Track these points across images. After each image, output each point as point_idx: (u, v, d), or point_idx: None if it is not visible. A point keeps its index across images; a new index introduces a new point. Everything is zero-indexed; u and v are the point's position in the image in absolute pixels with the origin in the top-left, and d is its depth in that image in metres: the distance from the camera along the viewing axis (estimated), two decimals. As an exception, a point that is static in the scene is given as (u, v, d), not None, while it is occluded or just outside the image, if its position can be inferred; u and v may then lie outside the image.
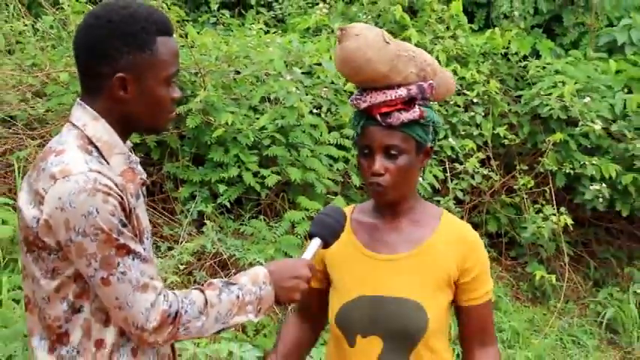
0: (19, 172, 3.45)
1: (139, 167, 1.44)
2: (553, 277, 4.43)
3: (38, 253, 1.32)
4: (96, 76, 1.35)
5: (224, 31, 5.16)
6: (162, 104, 1.39)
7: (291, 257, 3.35)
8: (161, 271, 3.16)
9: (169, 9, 4.31)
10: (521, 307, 4.51)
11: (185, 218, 3.75)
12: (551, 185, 4.60)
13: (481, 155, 4.58)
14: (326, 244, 1.52)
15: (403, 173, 1.52)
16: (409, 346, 1.54)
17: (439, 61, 4.41)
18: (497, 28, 5.14)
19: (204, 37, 4.30)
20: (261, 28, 4.69)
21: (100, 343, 1.34)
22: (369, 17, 5.00)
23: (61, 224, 1.27)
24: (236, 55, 4.08)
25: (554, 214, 4.44)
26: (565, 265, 4.59)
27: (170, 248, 3.57)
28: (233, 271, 3.51)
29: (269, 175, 3.77)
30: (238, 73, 4.11)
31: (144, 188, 1.48)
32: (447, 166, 4.48)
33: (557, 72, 4.91)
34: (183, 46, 3.96)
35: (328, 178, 3.94)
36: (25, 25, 4.38)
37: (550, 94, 4.69)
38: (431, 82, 1.56)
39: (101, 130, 1.36)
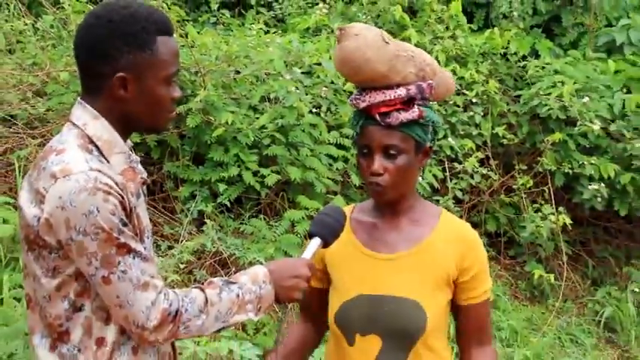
0: (19, 171, 3.46)
1: (140, 166, 1.44)
2: (551, 276, 4.44)
3: (39, 251, 1.32)
4: (96, 75, 1.35)
5: (224, 30, 5.16)
6: (163, 104, 1.39)
7: (291, 256, 3.37)
8: (161, 270, 3.17)
9: (169, 9, 4.31)
10: (519, 305, 4.52)
11: (185, 217, 3.76)
12: (549, 185, 4.61)
13: (480, 155, 4.59)
14: (326, 244, 1.52)
15: (402, 173, 1.53)
16: (408, 345, 1.55)
17: (438, 61, 4.41)
18: (496, 28, 5.14)
19: (205, 36, 4.31)
20: (261, 28, 4.69)
21: (100, 342, 1.35)
22: (369, 17, 5.00)
23: (61, 223, 1.27)
24: (236, 54, 4.09)
25: (553, 214, 4.45)
26: (563, 264, 4.61)
27: (170, 247, 3.58)
28: (233, 269, 3.51)
29: (269, 175, 3.78)
30: (238, 72, 4.12)
31: (144, 187, 1.48)
32: (447, 165, 4.49)
33: (556, 72, 4.92)
34: (183, 45, 3.96)
35: (328, 178, 3.95)
36: (26, 25, 4.38)
37: (549, 94, 4.69)
38: (430, 82, 1.56)
39: (101, 129, 1.36)
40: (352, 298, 1.58)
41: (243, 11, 5.86)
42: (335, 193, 4.02)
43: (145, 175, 1.46)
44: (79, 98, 1.40)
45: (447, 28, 5.03)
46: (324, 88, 4.25)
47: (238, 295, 1.39)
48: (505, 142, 4.70)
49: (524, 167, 4.70)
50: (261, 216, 3.89)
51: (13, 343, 2.70)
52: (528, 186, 4.59)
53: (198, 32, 4.51)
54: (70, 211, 1.26)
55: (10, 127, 3.88)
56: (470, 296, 1.58)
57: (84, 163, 1.29)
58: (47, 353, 1.36)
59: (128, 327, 1.32)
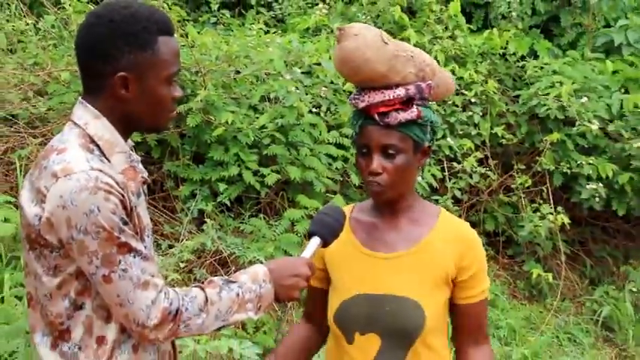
0: (20, 171, 3.47)
1: (140, 166, 1.45)
2: (550, 276, 4.45)
3: (40, 250, 1.33)
4: (97, 75, 1.36)
5: (224, 30, 5.17)
6: (164, 103, 1.40)
7: (291, 255, 3.37)
8: (162, 269, 3.17)
9: (170, 9, 4.32)
10: (518, 304, 4.54)
11: (185, 216, 3.77)
12: (548, 184, 4.62)
13: (479, 154, 4.60)
14: (325, 243, 1.53)
15: (401, 172, 1.53)
16: (407, 343, 1.55)
17: (438, 61, 4.42)
18: (495, 29, 5.15)
19: (205, 36, 4.31)
20: (261, 28, 4.70)
21: (101, 340, 1.35)
22: (368, 17, 5.02)
23: (62, 222, 1.28)
24: (236, 54, 4.10)
25: (551, 213, 4.46)
26: (562, 263, 4.61)
27: (171, 246, 3.58)
28: (233, 268, 3.52)
29: (269, 174, 3.79)
30: (238, 72, 4.13)
31: (145, 186, 1.48)
32: (445, 165, 4.49)
33: (554, 72, 4.93)
34: (183, 45, 3.98)
35: (327, 177, 3.96)
36: (27, 25, 4.38)
37: (548, 94, 4.70)
38: (429, 82, 1.56)
39: (102, 128, 1.36)
40: (351, 298, 1.59)
41: (243, 11, 5.87)
42: (334, 193, 4.03)
43: (145, 174, 1.46)
44: (80, 98, 1.40)
45: (446, 28, 5.04)
46: (324, 88, 4.26)
47: (238, 294, 1.40)
48: (504, 141, 4.71)
49: (523, 167, 4.71)
50: (261, 215, 3.90)
51: (15, 342, 2.71)
52: (527, 185, 4.60)
53: (199, 32, 4.52)
54: (71, 210, 1.26)
55: (12, 127, 3.88)
56: (468, 295, 1.59)
57: (85, 163, 1.29)
58: (48, 351, 1.36)
59: (128, 325, 1.33)
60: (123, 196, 1.31)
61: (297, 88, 4.02)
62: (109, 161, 1.35)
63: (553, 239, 4.64)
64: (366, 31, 1.52)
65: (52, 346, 1.36)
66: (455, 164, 4.52)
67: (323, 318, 1.68)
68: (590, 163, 4.59)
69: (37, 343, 1.38)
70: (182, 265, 3.43)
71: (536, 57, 5.30)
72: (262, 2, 5.74)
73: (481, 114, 4.71)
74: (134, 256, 1.30)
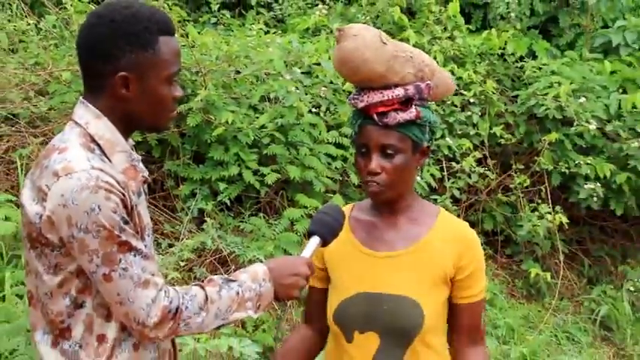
0: (21, 170, 3.48)
1: (141, 165, 1.44)
2: (548, 275, 4.46)
3: (41, 249, 1.33)
4: (98, 74, 1.36)
5: (224, 31, 5.18)
6: (164, 103, 1.40)
7: (291, 254, 3.38)
8: (162, 268, 3.17)
9: (171, 9, 4.33)
10: (516, 303, 4.54)
11: (186, 215, 3.78)
12: (546, 184, 4.63)
13: (478, 154, 4.61)
14: (325, 243, 1.53)
15: (399, 172, 1.53)
16: (405, 342, 1.56)
17: (437, 62, 4.44)
18: (493, 29, 5.16)
19: (205, 37, 4.33)
20: (261, 29, 4.71)
21: (101, 338, 1.36)
22: (368, 18, 5.03)
23: (63, 221, 1.28)
24: (236, 54, 4.11)
25: (550, 213, 4.47)
26: (560, 262, 4.62)
27: (171, 245, 3.59)
28: (233, 267, 3.53)
29: (268, 173, 3.80)
30: (238, 72, 4.14)
31: (145, 186, 1.48)
32: (444, 164, 4.50)
33: (553, 72, 4.94)
34: (184, 45, 3.99)
35: (327, 177, 3.97)
36: (28, 25, 4.39)
37: (546, 94, 4.71)
38: (428, 82, 1.56)
39: (103, 128, 1.37)
40: (351, 296, 1.59)
41: (243, 12, 5.88)
42: (334, 192, 4.04)
43: (146, 173, 1.46)
44: (81, 97, 1.41)
45: (445, 28, 5.06)
46: (324, 88, 4.27)
47: (238, 293, 1.40)
48: (502, 141, 4.72)
49: (521, 167, 4.72)
50: (261, 214, 3.91)
51: (15, 340, 2.72)
52: (525, 185, 4.61)
53: (199, 32, 4.54)
54: (72, 209, 1.27)
55: (13, 126, 3.89)
56: (465, 295, 1.59)
57: (86, 162, 1.30)
58: (49, 349, 1.37)
59: (129, 324, 1.33)
60: (124, 195, 1.32)
61: (296, 88, 4.04)
62: (109, 160, 1.35)
63: (551, 239, 4.65)
64: (365, 31, 1.52)
65: (53, 344, 1.36)
66: (454, 164, 4.53)
67: (322, 319, 1.67)
68: (588, 163, 4.60)
69: (37, 341, 1.39)
70: (182, 263, 3.44)
71: (534, 57, 5.31)
72: (262, 3, 5.75)
73: (480, 114, 4.72)
74: (134, 255, 1.31)
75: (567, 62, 5.15)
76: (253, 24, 4.94)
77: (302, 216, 3.74)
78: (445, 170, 4.50)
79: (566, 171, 4.63)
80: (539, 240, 4.61)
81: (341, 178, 4.13)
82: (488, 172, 4.60)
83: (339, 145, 4.10)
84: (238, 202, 4.02)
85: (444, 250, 1.57)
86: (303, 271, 1.47)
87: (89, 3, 4.29)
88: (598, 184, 4.56)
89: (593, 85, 4.91)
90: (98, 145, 1.36)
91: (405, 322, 1.55)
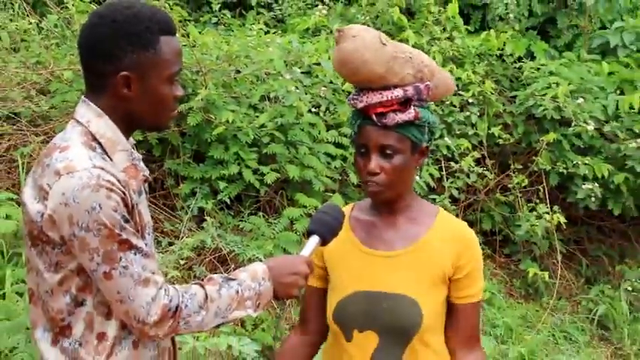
0: (22, 168, 3.49)
1: (142, 164, 1.45)
2: (546, 275, 4.47)
3: (42, 247, 1.34)
4: (100, 74, 1.36)
5: (225, 31, 5.18)
6: (165, 102, 1.40)
7: (290, 254, 3.40)
8: (162, 266, 3.18)
9: (172, 9, 4.34)
10: (514, 303, 4.56)
11: (185, 214, 3.79)
12: (544, 184, 4.64)
13: (476, 154, 4.62)
14: (324, 242, 1.54)
15: (398, 172, 1.54)
16: (404, 341, 1.56)
17: (435, 62, 4.46)
18: (492, 30, 5.16)
19: (206, 36, 4.34)
20: (261, 29, 4.72)
21: (101, 336, 1.36)
22: (367, 19, 5.04)
23: (64, 219, 1.28)
24: (237, 54, 4.12)
25: (548, 213, 4.48)
26: (558, 262, 4.63)
27: (171, 243, 3.60)
28: (232, 266, 3.54)
29: (268, 173, 3.81)
30: (239, 72, 4.15)
31: (146, 184, 1.49)
32: (443, 164, 4.52)
33: (551, 73, 4.94)
34: (185, 45, 3.99)
35: (326, 176, 3.98)
36: (30, 24, 4.40)
37: (544, 94, 4.72)
38: (428, 83, 1.57)
39: (105, 127, 1.37)
40: (349, 295, 1.60)
41: (243, 12, 5.89)
42: (333, 192, 4.05)
43: (146, 172, 1.46)
44: (82, 96, 1.41)
45: (444, 29, 5.06)
46: (323, 88, 4.28)
47: (237, 292, 1.41)
48: (501, 141, 4.73)
49: (520, 167, 4.73)
50: (261, 213, 3.92)
51: (15, 337, 2.73)
52: (523, 185, 4.62)
53: (200, 32, 4.54)
54: (73, 208, 1.27)
55: (14, 125, 3.90)
56: (462, 295, 1.60)
57: (87, 161, 1.30)
58: (49, 347, 1.37)
59: (129, 322, 1.34)
60: (124, 193, 1.32)
61: (296, 87, 4.04)
62: (110, 159, 1.36)
63: (549, 238, 4.66)
64: (365, 32, 1.53)
65: (53, 342, 1.37)
66: (452, 164, 4.54)
67: (319, 320, 1.68)
68: (586, 163, 4.61)
69: (37, 338, 1.39)
70: (182, 262, 3.45)
71: (532, 58, 5.32)
72: (262, 3, 5.76)
73: (478, 114, 4.73)
74: (135, 254, 1.31)
75: (565, 63, 5.15)
76: (254, 24, 4.95)
77: (301, 215, 3.75)
78: (444, 170, 4.51)
79: (564, 171, 4.64)
80: (537, 240, 4.62)
81: (340, 178, 4.15)
82: (486, 172, 4.61)
83: (338, 145, 4.11)
84: (238, 201, 4.03)
85: (442, 250, 1.58)
86: (303, 270, 1.48)
87: (91, 3, 4.30)
88: (596, 184, 4.57)
89: (591, 86, 4.91)
90: (99, 143, 1.36)
91: (403, 320, 1.56)
